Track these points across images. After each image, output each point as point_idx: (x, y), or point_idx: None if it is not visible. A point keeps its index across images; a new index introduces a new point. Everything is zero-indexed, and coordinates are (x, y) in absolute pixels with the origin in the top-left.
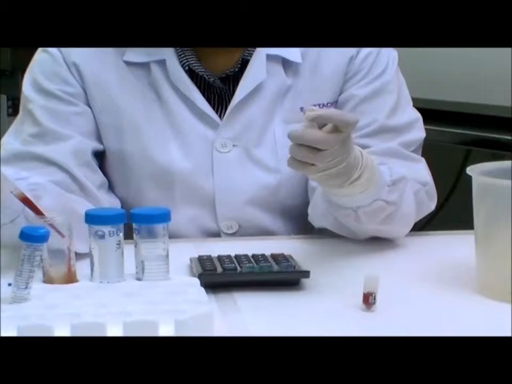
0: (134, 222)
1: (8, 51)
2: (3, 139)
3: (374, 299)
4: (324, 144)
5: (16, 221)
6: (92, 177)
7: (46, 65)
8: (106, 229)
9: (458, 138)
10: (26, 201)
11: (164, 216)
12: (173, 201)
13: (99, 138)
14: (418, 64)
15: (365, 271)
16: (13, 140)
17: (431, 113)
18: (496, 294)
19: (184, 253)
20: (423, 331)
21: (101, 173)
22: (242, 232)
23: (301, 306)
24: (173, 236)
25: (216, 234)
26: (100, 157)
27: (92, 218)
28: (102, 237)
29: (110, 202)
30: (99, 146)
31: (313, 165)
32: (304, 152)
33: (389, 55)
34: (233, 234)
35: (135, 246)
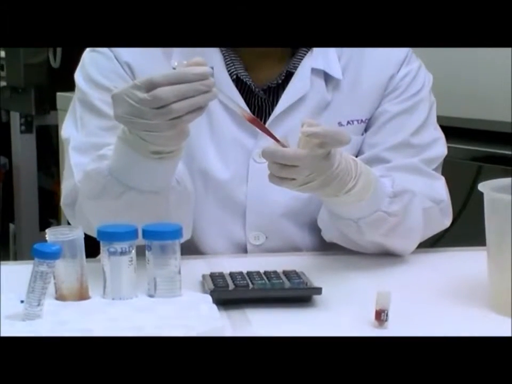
0: (146, 238)
1: (21, 68)
2: (63, 133)
3: (386, 316)
4: (295, 161)
5: (124, 197)
6: None
7: (100, 63)
8: (118, 245)
9: (470, 154)
10: (255, 122)
11: (176, 233)
12: (205, 205)
13: None
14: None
15: (377, 287)
16: (76, 133)
17: (442, 130)
18: (509, 310)
19: (196, 269)
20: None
21: None
22: (268, 244)
23: (313, 323)
24: (199, 241)
25: (242, 244)
26: None
27: (104, 235)
28: (115, 253)
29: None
30: None
31: (293, 179)
32: (280, 168)
33: (425, 76)
34: (259, 246)
35: (147, 263)
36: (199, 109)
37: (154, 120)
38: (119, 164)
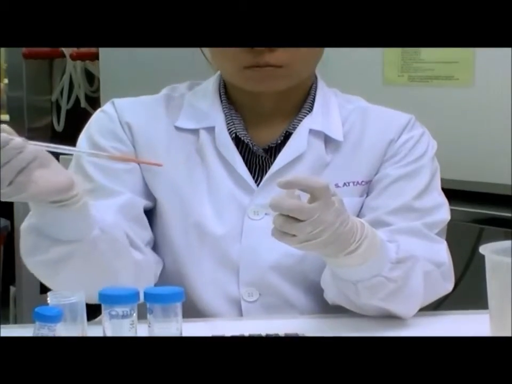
0: (147, 301)
1: (25, 132)
2: None
3: None
4: (298, 213)
5: (52, 251)
6: (140, 233)
7: (102, 123)
8: (120, 308)
9: (471, 217)
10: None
11: (177, 296)
12: (200, 260)
13: (149, 196)
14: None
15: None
16: None
17: (443, 192)
18: None
19: (197, 332)
20: None
21: (150, 230)
22: (262, 301)
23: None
24: (194, 295)
25: (236, 300)
26: (149, 214)
27: (106, 298)
28: (116, 316)
29: (155, 259)
30: (149, 204)
31: (294, 235)
32: (283, 221)
33: (428, 143)
34: (253, 303)
35: (149, 326)
36: None
37: None
38: (35, 218)
